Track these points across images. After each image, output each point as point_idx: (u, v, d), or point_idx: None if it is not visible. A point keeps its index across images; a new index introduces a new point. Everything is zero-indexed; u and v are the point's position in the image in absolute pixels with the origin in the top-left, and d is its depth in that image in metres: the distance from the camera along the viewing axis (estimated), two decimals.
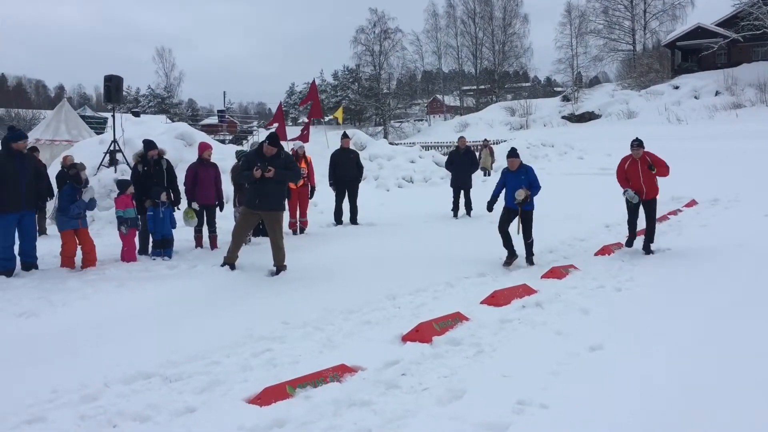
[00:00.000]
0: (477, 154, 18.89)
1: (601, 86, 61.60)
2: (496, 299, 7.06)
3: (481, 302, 7.05)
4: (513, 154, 9.57)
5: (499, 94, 67.82)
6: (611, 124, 45.55)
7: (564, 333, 5.91)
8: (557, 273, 8.37)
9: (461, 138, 15.60)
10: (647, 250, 9.70)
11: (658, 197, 9.88)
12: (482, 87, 70.16)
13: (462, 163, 14.32)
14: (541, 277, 8.21)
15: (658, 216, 12.75)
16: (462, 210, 14.13)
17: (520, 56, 69.91)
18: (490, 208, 9.63)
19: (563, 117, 53.04)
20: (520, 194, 9.05)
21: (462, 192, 14.12)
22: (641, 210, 9.88)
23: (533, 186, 9.23)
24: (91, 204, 9.03)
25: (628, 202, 9.82)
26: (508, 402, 4.34)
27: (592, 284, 7.82)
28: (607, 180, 20.46)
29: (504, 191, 9.43)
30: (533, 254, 9.33)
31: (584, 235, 11.22)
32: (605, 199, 15.75)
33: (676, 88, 49.02)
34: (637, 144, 9.78)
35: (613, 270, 8.53)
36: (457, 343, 5.70)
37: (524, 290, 7.45)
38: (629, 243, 9.99)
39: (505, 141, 33.75)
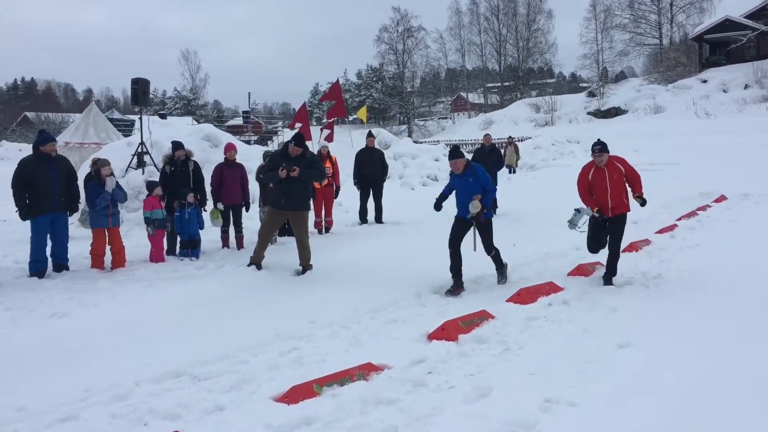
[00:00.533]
0: (502, 151, 18.79)
1: (628, 81, 60.96)
2: (522, 297, 7.04)
3: (507, 300, 7.03)
4: (454, 154, 8.00)
5: (523, 91, 67.35)
6: (638, 120, 45.06)
7: (591, 331, 5.87)
8: (584, 270, 8.31)
9: (486, 135, 15.55)
10: (607, 280, 7.80)
11: (628, 214, 8.05)
12: (506, 84, 69.72)
13: (487, 160, 14.23)
14: (568, 275, 8.16)
15: (686, 213, 12.63)
16: None
17: (545, 52, 69.41)
18: (437, 206, 8.19)
19: (589, 113, 52.53)
20: (476, 207, 7.63)
21: None
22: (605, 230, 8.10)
23: (487, 190, 7.83)
24: (118, 195, 9.11)
25: (571, 223, 8.17)
26: (535, 400, 4.33)
27: (619, 281, 7.76)
28: None
29: (455, 196, 8.06)
30: (504, 266, 8.09)
31: None
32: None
33: (704, 81, 48.33)
34: (599, 148, 7.82)
35: (641, 267, 8.45)
36: (483, 341, 5.69)
37: (550, 288, 7.42)
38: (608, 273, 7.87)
39: (530, 138, 33.56)
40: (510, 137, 28.13)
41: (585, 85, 69.50)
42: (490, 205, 7.93)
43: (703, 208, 13.30)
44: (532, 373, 4.87)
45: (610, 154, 7.97)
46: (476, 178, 7.79)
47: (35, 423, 4.19)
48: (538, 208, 13.99)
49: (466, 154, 8.26)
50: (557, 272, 8.30)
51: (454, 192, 8.08)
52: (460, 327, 6.00)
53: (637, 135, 31.37)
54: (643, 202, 7.87)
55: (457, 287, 7.70)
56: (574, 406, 4.25)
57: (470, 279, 8.12)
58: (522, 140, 31.69)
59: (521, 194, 16.63)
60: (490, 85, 72.65)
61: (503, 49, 69.95)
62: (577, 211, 8.05)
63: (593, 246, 8.21)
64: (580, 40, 66.29)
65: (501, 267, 8.08)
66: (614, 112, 50.26)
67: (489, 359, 5.29)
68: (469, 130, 51.77)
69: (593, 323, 6.09)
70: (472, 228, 7.95)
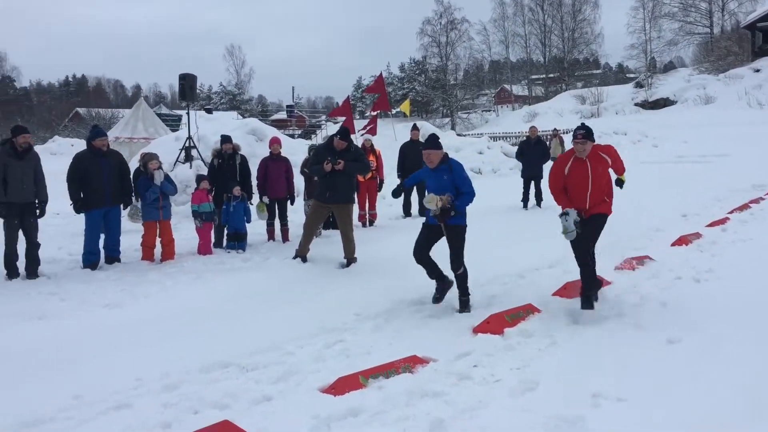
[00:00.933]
0: (547, 143, 18.59)
1: (677, 71, 59.57)
2: (569, 291, 6.95)
3: (553, 294, 6.97)
4: (430, 143, 6.63)
5: (568, 83, 66.37)
6: (688, 110, 43.95)
7: (640, 325, 5.78)
8: (632, 264, 8.17)
9: (533, 128, 15.42)
10: (586, 302, 6.32)
11: (609, 216, 6.55)
12: (551, 75, 68.81)
13: (533, 153, 14.11)
14: (615, 269, 8.03)
15: (738, 205, 12.30)
16: (532, 201, 13.96)
17: (591, 43, 68.22)
18: (396, 193, 7.25)
19: (636, 104, 51.45)
20: (432, 201, 6.35)
21: (532, 182, 13.94)
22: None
23: (462, 192, 6.53)
24: (167, 188, 9.27)
25: (566, 231, 6.36)
26: (582, 395, 4.29)
27: (669, 276, 7.61)
28: (684, 168, 19.90)
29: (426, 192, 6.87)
30: (468, 294, 6.66)
31: (660, 226, 10.91)
32: (682, 188, 15.30)
33: (757, 71, 46.84)
34: (583, 134, 6.30)
35: (692, 261, 8.27)
36: (529, 335, 5.66)
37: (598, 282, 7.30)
38: (589, 295, 6.42)
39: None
40: (555, 129, 27.77)
41: (632, 75, 68.04)
42: (463, 210, 6.61)
43: (756, 201, 12.95)
44: (580, 367, 4.82)
45: (607, 144, 6.98)
46: (451, 175, 6.54)
47: (91, 410, 4.33)
48: None
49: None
50: (604, 266, 8.13)
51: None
52: (506, 320, 5.97)
53: (687, 126, 30.70)
54: (622, 183, 6.76)
55: (442, 289, 6.83)
56: (623, 402, 4.20)
57: (515, 273, 8.07)
58: (567, 132, 31.26)
59: None
60: (534, 76, 71.76)
61: (548, 40, 69.07)
62: (565, 214, 6.33)
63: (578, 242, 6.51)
64: (627, 29, 64.63)
65: (464, 294, 6.67)
66: (663, 103, 49.14)
67: (535, 353, 5.25)
68: (513, 122, 51.24)
69: (642, 317, 5.99)
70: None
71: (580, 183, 6.34)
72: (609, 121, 39.43)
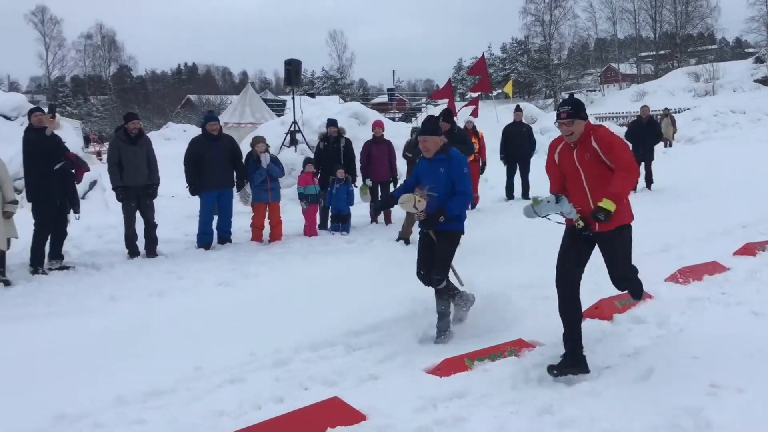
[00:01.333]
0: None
1: None
2: (683, 277, 6.67)
3: (666, 279, 6.69)
4: (427, 128, 5.55)
5: (681, 59, 63.15)
6: None
7: (762, 314, 5.47)
8: (752, 250, 7.73)
9: (644, 107, 14.80)
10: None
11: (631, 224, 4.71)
12: (662, 52, 65.68)
13: (644, 133, 13.55)
14: (734, 254, 7.62)
15: None
16: (642, 183, 13.42)
17: (706, 17, 64.47)
18: (375, 211, 5.97)
19: (756, 80, 48.28)
20: (408, 201, 5.31)
21: (643, 164, 13.38)
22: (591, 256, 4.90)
23: (457, 191, 5.42)
24: (274, 170, 9.53)
25: (535, 202, 4.68)
26: (699, 384, 4.10)
27: None
28: None
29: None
30: (449, 324, 5.53)
31: None
32: None
33: None
34: (568, 112, 4.60)
35: None
36: (640, 322, 5.48)
37: (714, 268, 6.98)
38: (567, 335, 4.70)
39: (688, 109, 31.52)
40: (666, 109, 26.59)
41: (751, 50, 63.83)
42: (457, 214, 5.51)
43: None
44: (696, 356, 4.61)
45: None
46: (449, 168, 5.42)
47: (209, 382, 4.56)
48: (698, 183, 13.17)
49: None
50: (722, 251, 7.76)
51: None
52: (616, 306, 5.81)
53: None
54: (602, 213, 4.21)
55: (443, 331, 5.48)
56: (742, 392, 3.98)
57: None
58: (679, 112, 29.84)
59: (679, 169, 15.70)
60: (643, 54, 68.71)
61: (659, 15, 65.79)
62: (551, 200, 4.60)
63: (563, 267, 4.94)
64: (747, 1, 60.66)
65: (442, 318, 5.52)
66: None
67: (647, 340, 5.08)
68: (619, 102, 49.35)
69: (763, 305, 5.66)
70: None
71: (574, 179, 4.67)
72: (725, 100, 37.32)
